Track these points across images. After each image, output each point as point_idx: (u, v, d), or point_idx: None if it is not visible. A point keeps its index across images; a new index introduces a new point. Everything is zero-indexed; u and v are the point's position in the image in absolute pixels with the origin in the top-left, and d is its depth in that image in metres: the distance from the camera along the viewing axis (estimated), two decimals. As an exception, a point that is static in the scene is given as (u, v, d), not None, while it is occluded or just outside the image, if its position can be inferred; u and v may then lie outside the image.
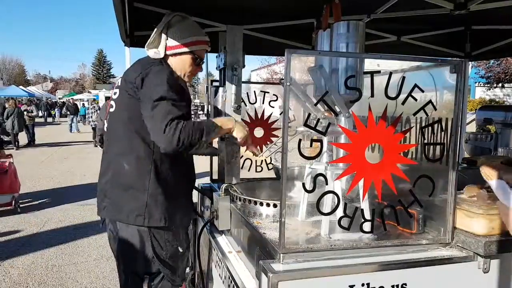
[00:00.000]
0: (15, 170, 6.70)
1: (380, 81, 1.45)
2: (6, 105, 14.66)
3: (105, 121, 2.18)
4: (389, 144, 1.46)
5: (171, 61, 2.10)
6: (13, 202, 6.54)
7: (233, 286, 1.77)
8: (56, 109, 34.73)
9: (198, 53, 2.15)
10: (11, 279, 4.25)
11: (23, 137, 15.60)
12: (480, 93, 29.13)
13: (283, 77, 1.37)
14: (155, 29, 2.07)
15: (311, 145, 1.56)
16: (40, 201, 7.20)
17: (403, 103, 1.48)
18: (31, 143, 16.05)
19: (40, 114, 34.21)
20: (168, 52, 2.08)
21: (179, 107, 1.88)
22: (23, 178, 9.05)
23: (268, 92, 3.08)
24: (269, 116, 3.06)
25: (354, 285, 1.41)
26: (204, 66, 2.32)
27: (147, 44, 2.07)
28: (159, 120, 1.80)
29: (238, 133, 2.05)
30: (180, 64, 2.12)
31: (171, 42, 2.08)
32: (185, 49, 2.09)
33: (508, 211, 1.30)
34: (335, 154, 1.71)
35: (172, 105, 1.86)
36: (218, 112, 2.96)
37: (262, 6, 2.92)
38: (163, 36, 2.07)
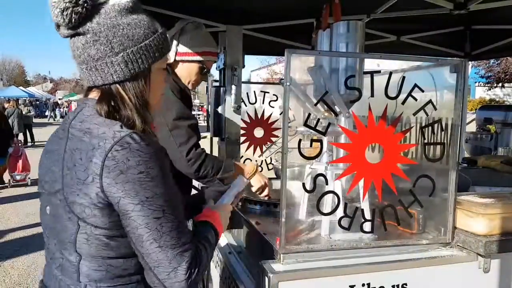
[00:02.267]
0: (26, 154, 8.78)
1: (380, 81, 1.45)
2: (6, 105, 14.65)
3: None
4: (389, 144, 1.46)
5: (179, 67, 2.13)
6: (26, 178, 8.63)
7: (233, 287, 1.77)
8: (57, 110, 34.79)
9: (206, 64, 2.18)
10: (11, 279, 4.25)
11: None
12: (480, 92, 29.15)
13: (283, 77, 1.37)
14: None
15: (311, 145, 1.56)
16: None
17: (403, 103, 1.48)
18: (32, 143, 16.06)
19: (47, 113, 34.59)
20: (177, 58, 2.11)
21: (195, 127, 1.97)
22: (23, 178, 9.05)
23: (268, 92, 3.09)
24: (269, 116, 3.06)
25: (354, 285, 1.41)
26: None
27: None
28: (183, 143, 1.91)
29: (254, 182, 2.05)
30: (187, 71, 2.14)
31: (183, 49, 2.11)
32: (196, 58, 2.12)
33: None
34: (335, 154, 1.71)
35: (189, 127, 1.95)
36: (218, 114, 2.96)
37: (262, 6, 2.92)
38: (174, 41, 2.10)
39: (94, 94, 1.14)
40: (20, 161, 8.54)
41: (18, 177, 8.56)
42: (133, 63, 1.10)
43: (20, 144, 9.09)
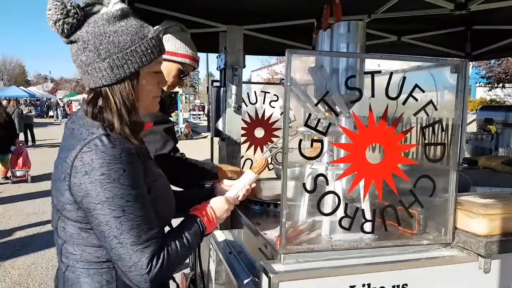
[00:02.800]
0: (27, 152, 9.52)
1: (380, 81, 1.45)
2: (4, 102, 14.68)
3: None
4: (390, 144, 1.46)
5: None
6: (27, 175, 9.27)
7: (234, 287, 1.77)
8: (58, 109, 34.84)
9: (186, 67, 2.10)
10: (11, 279, 4.26)
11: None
12: (481, 93, 29.12)
13: (284, 77, 1.37)
14: None
15: (311, 145, 1.56)
16: (41, 199, 7.21)
17: (403, 103, 1.48)
18: (33, 143, 16.06)
19: (51, 113, 34.95)
20: None
21: (171, 131, 1.99)
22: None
23: (268, 92, 3.08)
24: (270, 116, 3.06)
25: (355, 286, 1.41)
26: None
27: None
28: (159, 149, 1.92)
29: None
30: (166, 71, 1.97)
31: (166, 47, 2.04)
32: (178, 59, 2.04)
33: None
34: (335, 154, 1.71)
35: (165, 130, 1.95)
36: (218, 114, 2.96)
37: (263, 6, 2.92)
38: None
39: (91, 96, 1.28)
40: (21, 158, 9.22)
41: (18, 173, 9.23)
42: (119, 68, 1.19)
43: (22, 144, 9.85)
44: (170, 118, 2.24)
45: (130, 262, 1.12)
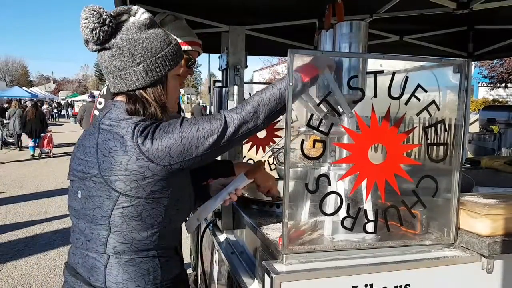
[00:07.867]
0: (51, 136, 13.89)
1: (383, 81, 1.45)
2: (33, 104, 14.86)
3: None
4: (392, 145, 1.46)
5: None
6: (50, 153, 13.65)
7: (236, 287, 1.77)
8: (67, 110, 35.03)
9: (192, 54, 2.05)
10: (14, 279, 4.27)
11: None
12: (483, 93, 29.05)
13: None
14: None
15: (313, 146, 1.56)
16: (43, 200, 7.23)
17: (406, 103, 1.47)
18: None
19: (63, 112, 35.49)
20: None
21: None
22: (26, 179, 9.10)
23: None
24: (272, 117, 3.05)
25: (357, 286, 1.40)
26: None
27: None
28: None
29: (260, 181, 1.97)
30: None
31: None
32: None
33: None
34: (338, 154, 1.71)
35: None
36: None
37: (264, 6, 2.92)
38: None
39: (120, 98, 1.38)
40: (46, 140, 13.47)
41: (46, 150, 13.61)
42: (152, 72, 1.32)
43: (50, 131, 14.01)
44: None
45: (217, 125, 1.30)
